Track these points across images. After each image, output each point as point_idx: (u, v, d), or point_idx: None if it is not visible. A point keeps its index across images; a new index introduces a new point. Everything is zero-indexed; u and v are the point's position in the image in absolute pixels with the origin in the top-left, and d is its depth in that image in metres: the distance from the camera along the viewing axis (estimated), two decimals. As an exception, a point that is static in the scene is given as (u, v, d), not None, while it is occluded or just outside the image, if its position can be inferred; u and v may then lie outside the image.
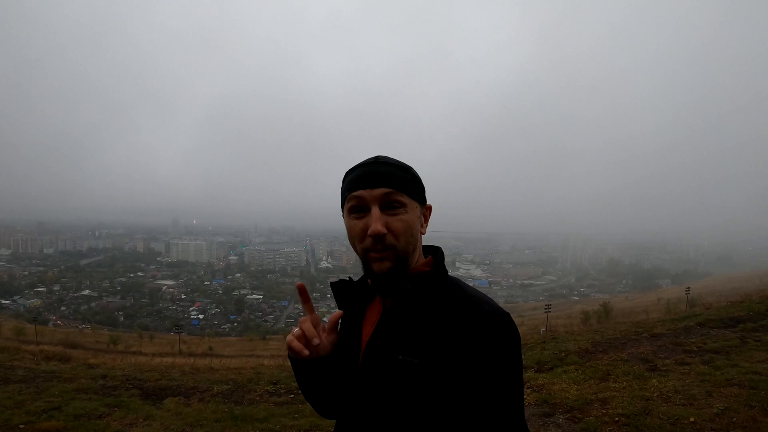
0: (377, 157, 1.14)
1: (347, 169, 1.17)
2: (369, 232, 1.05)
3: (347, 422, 1.15)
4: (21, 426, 5.08)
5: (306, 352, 1.16)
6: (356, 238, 1.10)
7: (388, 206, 1.08)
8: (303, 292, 1.22)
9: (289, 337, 1.20)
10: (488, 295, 1.12)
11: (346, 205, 1.12)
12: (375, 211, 1.07)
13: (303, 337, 1.17)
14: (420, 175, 1.17)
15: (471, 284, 1.17)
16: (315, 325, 1.18)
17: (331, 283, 1.27)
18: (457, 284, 1.13)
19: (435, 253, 1.19)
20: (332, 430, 1.26)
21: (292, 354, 1.19)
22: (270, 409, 5.93)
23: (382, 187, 1.07)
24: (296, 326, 1.23)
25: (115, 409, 5.85)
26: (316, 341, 1.17)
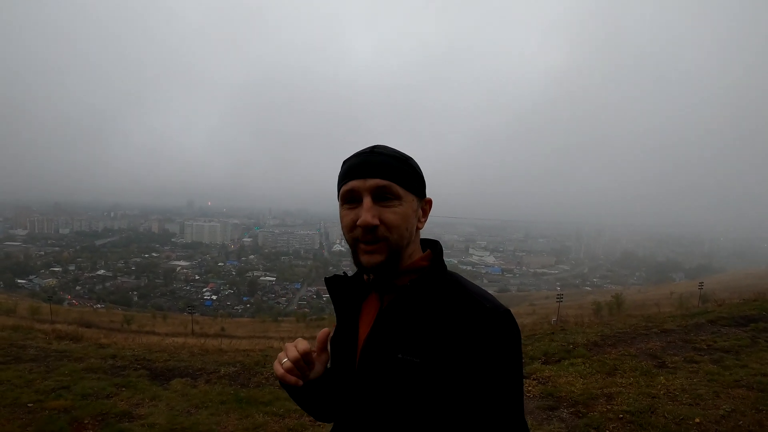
0: (374, 147, 1.10)
1: (344, 159, 1.14)
2: (358, 222, 1.03)
3: (345, 424, 1.13)
4: (29, 404, 5.17)
5: (300, 383, 1.14)
6: (347, 227, 1.07)
7: (382, 197, 1.04)
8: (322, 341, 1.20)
9: (280, 371, 1.15)
10: (493, 288, 1.09)
11: (340, 195, 1.10)
12: (367, 201, 1.04)
13: (295, 370, 1.13)
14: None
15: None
16: (305, 353, 1.14)
17: (325, 279, 1.24)
18: (457, 280, 1.10)
19: (434, 247, 1.15)
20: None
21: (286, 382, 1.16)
22: (275, 393, 5.96)
23: (376, 178, 1.04)
24: (284, 349, 1.18)
25: (123, 389, 5.94)
26: (310, 372, 1.16)
